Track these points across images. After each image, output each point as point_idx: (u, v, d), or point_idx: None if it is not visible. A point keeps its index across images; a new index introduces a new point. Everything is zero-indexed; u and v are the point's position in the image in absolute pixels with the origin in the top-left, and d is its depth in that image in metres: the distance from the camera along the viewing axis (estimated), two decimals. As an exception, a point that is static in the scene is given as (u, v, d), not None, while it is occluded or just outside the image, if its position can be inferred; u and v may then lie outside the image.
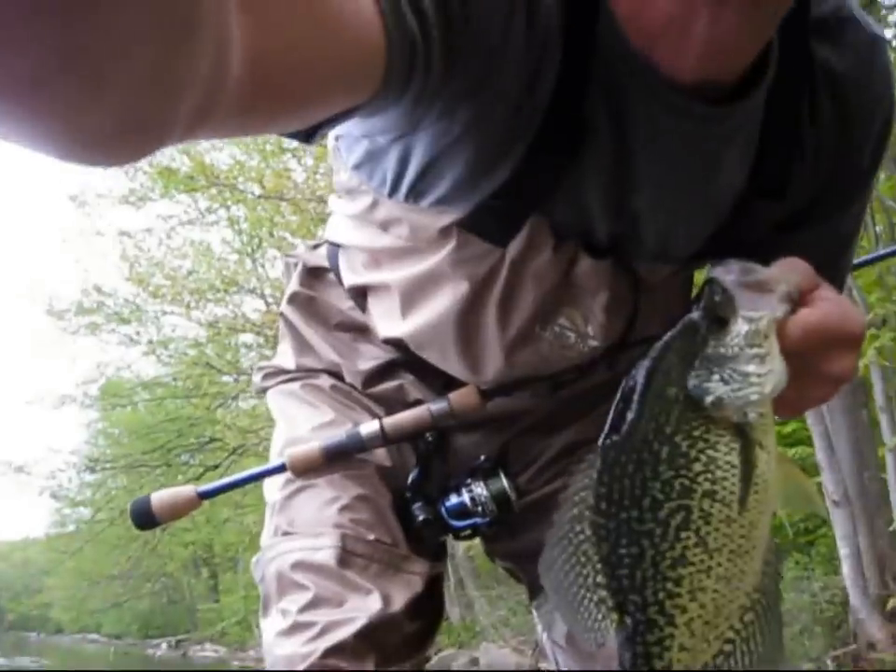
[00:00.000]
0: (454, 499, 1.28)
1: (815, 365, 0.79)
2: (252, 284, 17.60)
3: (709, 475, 0.72)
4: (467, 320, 1.18)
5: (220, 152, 19.39)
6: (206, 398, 18.84)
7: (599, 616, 0.73)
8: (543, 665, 12.11)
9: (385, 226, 1.19)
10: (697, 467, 0.72)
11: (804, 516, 10.22)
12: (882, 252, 1.91)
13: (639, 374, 0.74)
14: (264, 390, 1.48)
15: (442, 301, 1.18)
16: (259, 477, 1.34)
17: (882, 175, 8.31)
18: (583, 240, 1.13)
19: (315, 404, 1.37)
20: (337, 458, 1.26)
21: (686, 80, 0.96)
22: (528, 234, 1.10)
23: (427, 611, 1.27)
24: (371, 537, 1.24)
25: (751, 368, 0.72)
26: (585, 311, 1.18)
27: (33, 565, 38.42)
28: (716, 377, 0.73)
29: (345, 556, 1.21)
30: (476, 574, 14.29)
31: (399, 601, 1.21)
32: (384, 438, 1.27)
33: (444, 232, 1.12)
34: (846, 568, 8.09)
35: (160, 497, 1.24)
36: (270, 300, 17.09)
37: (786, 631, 8.92)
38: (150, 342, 19.44)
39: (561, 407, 1.35)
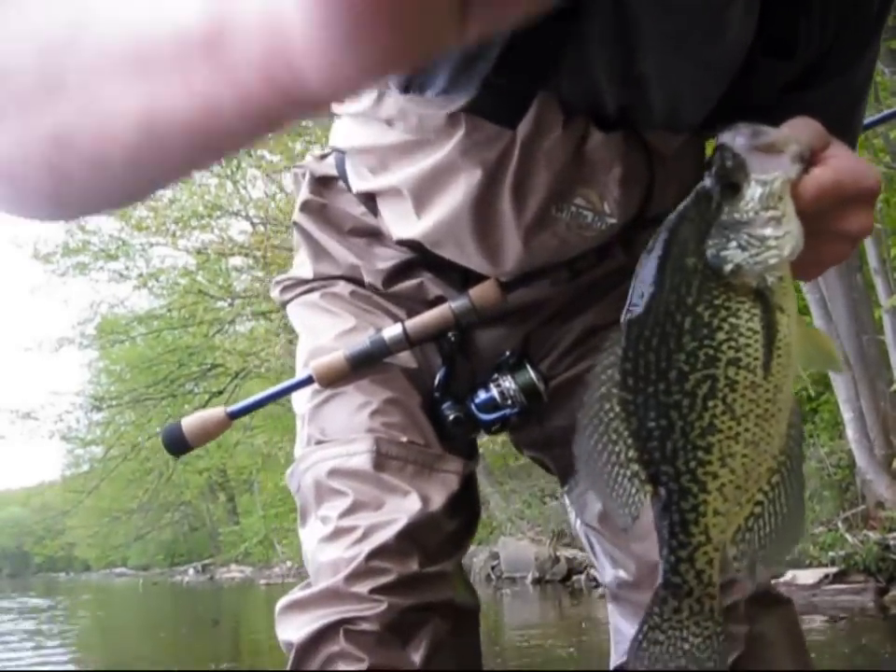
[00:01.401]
0: (482, 395, 1.28)
1: (831, 224, 0.77)
2: (235, 206, 17.45)
3: (733, 343, 0.72)
4: (482, 209, 1.16)
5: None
6: (203, 325, 18.86)
7: (633, 490, 0.74)
8: (561, 553, 12.37)
9: (390, 121, 1.18)
10: (720, 335, 0.72)
11: (811, 377, 10.35)
12: (888, 112, 1.82)
13: (656, 247, 0.74)
14: (284, 304, 1.46)
15: (455, 194, 1.16)
16: (287, 392, 1.33)
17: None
18: (593, 114, 1.11)
19: (336, 312, 1.36)
20: (362, 365, 1.25)
21: None
22: (537, 112, 1.09)
23: (464, 509, 1.28)
24: (404, 438, 1.24)
25: (768, 231, 0.72)
26: (600, 188, 1.15)
27: (51, 507, 38.92)
28: (733, 244, 0.72)
29: (380, 460, 1.22)
30: (488, 471, 14.51)
31: (438, 500, 1.22)
32: (407, 340, 1.26)
33: (452, 120, 1.10)
34: (850, 432, 8.20)
35: (189, 421, 1.24)
36: (255, 220, 16.97)
37: (796, 497, 9.10)
38: (140, 275, 19.37)
39: (580, 293, 1.33)
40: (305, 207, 1.43)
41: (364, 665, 1.12)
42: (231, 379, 19.05)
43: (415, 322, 1.26)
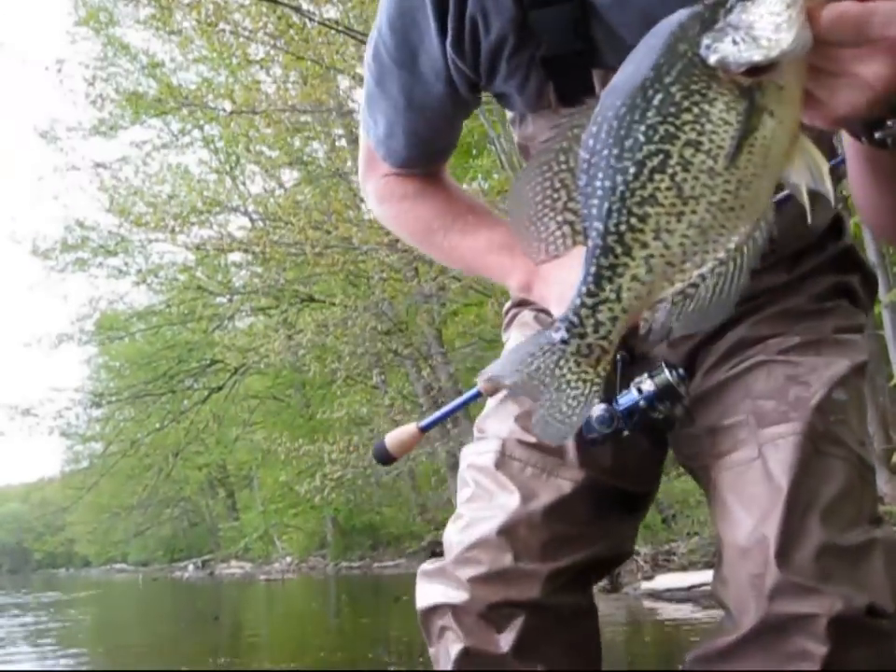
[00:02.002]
0: (625, 395, 1.30)
1: (847, 63, 0.74)
2: (234, 202, 17.43)
3: (697, 126, 0.74)
4: None
5: (186, 71, 19.03)
6: (202, 321, 18.85)
7: (559, 232, 0.80)
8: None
9: (533, 137, 1.34)
10: (687, 116, 0.74)
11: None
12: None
13: (660, 29, 0.77)
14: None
15: None
16: (465, 403, 1.49)
17: None
18: None
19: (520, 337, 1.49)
20: None
21: None
22: (601, 87, 1.12)
23: (574, 518, 1.31)
24: (532, 440, 1.32)
25: (764, 32, 0.72)
26: None
27: (51, 503, 38.93)
28: (728, 39, 0.73)
29: (502, 459, 1.33)
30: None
31: (543, 500, 1.28)
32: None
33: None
34: (849, 426, 8.22)
35: (391, 437, 1.42)
36: (254, 216, 16.95)
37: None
38: (139, 271, 19.40)
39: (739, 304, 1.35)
40: None
41: (461, 644, 1.25)
42: (230, 375, 19.03)
43: None
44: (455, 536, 1.30)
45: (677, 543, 10.28)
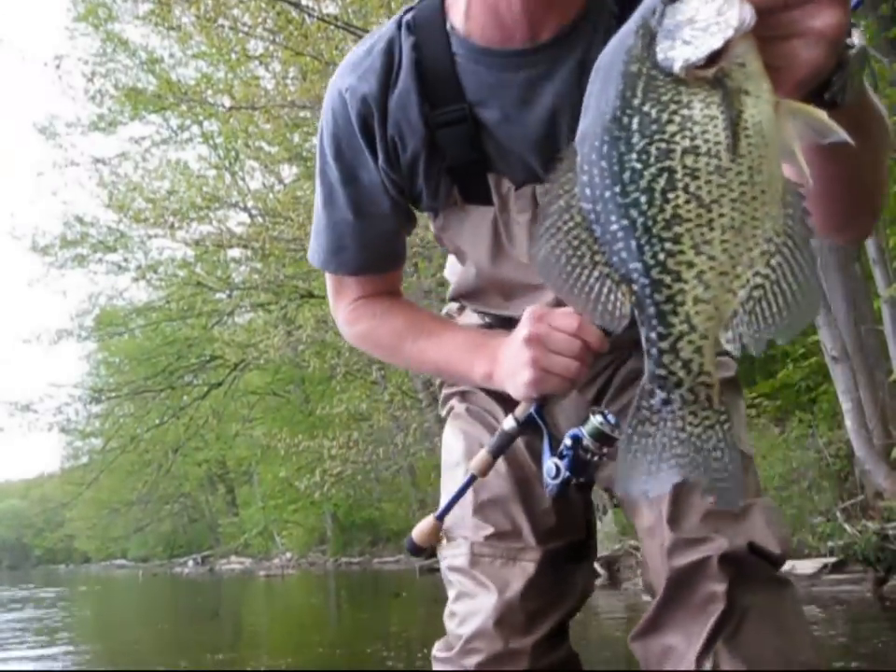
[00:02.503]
0: (566, 453, 1.39)
1: (799, 21, 0.77)
2: (234, 198, 17.41)
3: (687, 132, 0.73)
4: (499, 262, 1.47)
5: (185, 67, 19.00)
6: (201, 317, 18.85)
7: (606, 290, 0.76)
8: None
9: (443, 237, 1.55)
10: (671, 128, 0.73)
11: (803, 374, 10.33)
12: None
13: (602, 62, 0.76)
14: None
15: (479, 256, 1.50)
16: (463, 492, 1.54)
17: None
18: (531, 177, 1.38)
19: (465, 430, 1.65)
20: (500, 454, 1.46)
21: (517, 44, 1.29)
22: (495, 188, 1.39)
23: (542, 591, 1.52)
24: (491, 530, 1.53)
25: (710, 19, 0.72)
26: None
27: (51, 499, 38.99)
28: (678, 42, 0.73)
29: (475, 559, 1.53)
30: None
31: (515, 587, 1.50)
32: (521, 424, 1.43)
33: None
34: (849, 422, 8.20)
35: (416, 532, 1.54)
36: (253, 212, 16.94)
37: (794, 487, 9.10)
38: (139, 267, 19.39)
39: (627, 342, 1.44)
40: None
41: None
42: (229, 371, 19.04)
43: (521, 408, 1.43)
44: (455, 630, 1.52)
45: (676, 539, 10.28)
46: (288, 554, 24.17)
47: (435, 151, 1.38)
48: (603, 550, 9.54)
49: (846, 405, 8.14)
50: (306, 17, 8.71)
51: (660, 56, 0.73)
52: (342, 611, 11.17)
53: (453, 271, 1.68)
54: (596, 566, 1.89)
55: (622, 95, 0.74)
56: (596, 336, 1.26)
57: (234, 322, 19.67)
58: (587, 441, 1.34)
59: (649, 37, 0.74)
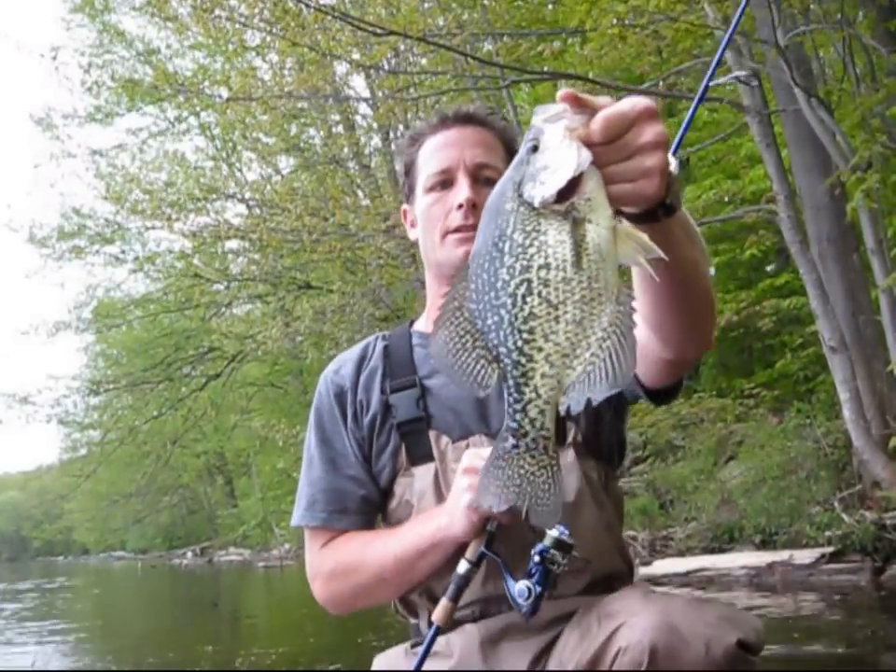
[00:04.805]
0: (534, 570, 1.48)
1: (633, 142, 1.01)
2: (231, 189, 17.38)
3: (543, 253, 0.98)
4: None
5: (183, 58, 18.95)
6: (199, 308, 18.81)
7: (479, 367, 1.03)
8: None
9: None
10: (532, 250, 0.99)
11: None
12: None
13: (490, 203, 1.03)
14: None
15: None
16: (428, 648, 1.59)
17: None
18: (465, 433, 1.67)
19: None
20: (458, 598, 1.55)
21: None
22: (435, 442, 1.68)
23: None
24: None
25: (554, 165, 0.98)
26: None
27: (50, 491, 38.90)
28: (537, 182, 0.99)
29: None
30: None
31: None
32: (474, 564, 1.54)
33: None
34: (846, 412, 8.21)
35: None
36: (251, 203, 16.91)
37: (792, 477, 9.11)
38: (136, 259, 19.30)
39: None
40: None
41: None
42: (228, 362, 19.02)
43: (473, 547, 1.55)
44: None
45: (674, 529, 10.31)
46: (287, 546, 24.15)
47: (388, 411, 1.72)
48: None
49: (844, 395, 8.15)
50: (303, 7, 8.67)
51: (526, 194, 0.99)
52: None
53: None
54: None
55: (499, 227, 1.00)
56: None
57: (232, 313, 19.65)
58: (551, 554, 1.46)
59: (519, 179, 1.00)
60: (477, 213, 1.62)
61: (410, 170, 1.79)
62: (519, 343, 1.00)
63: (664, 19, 7.89)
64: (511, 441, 1.05)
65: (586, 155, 0.98)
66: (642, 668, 1.28)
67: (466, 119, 1.75)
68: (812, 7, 7.91)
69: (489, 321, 1.00)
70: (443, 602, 1.53)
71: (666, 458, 11.97)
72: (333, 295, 14.10)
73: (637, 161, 1.01)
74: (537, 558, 1.46)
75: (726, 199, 11.23)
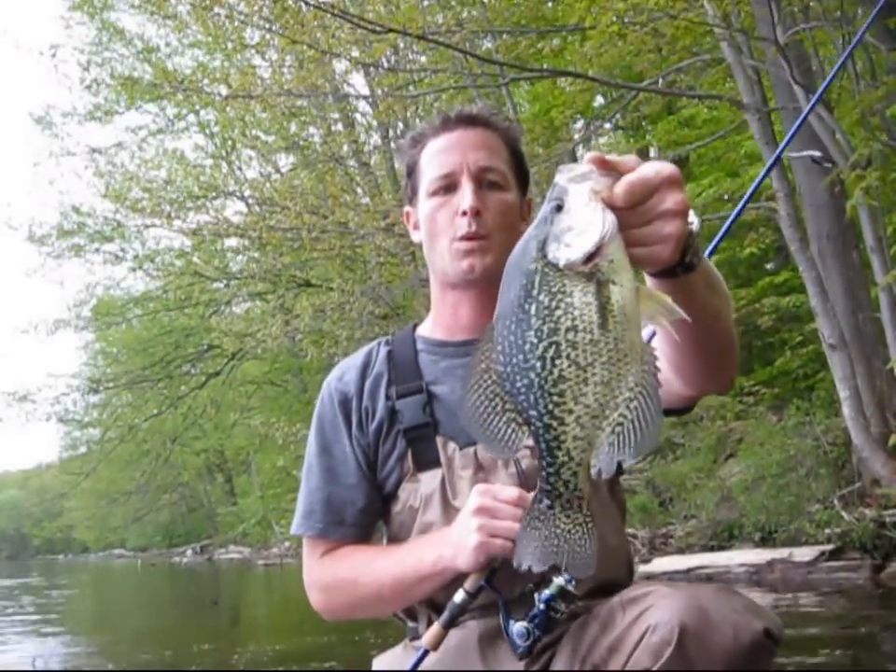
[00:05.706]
0: (538, 615, 1.48)
1: (655, 208, 1.03)
2: (231, 187, 17.37)
3: (569, 315, 0.99)
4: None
5: (182, 56, 18.93)
6: (199, 306, 18.80)
7: (509, 431, 1.04)
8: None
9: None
10: (558, 312, 0.99)
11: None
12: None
13: (512, 261, 1.03)
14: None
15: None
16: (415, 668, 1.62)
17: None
18: (472, 440, 1.61)
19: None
20: (452, 625, 1.55)
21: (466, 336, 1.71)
22: (442, 448, 1.65)
23: None
24: None
25: (580, 227, 0.98)
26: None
27: (50, 490, 38.87)
28: (561, 245, 0.99)
29: None
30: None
31: None
32: (471, 595, 1.54)
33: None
34: (846, 410, 8.21)
35: None
36: (250, 201, 16.90)
37: (792, 475, 9.11)
38: (136, 257, 19.30)
39: None
40: None
41: None
42: (227, 360, 19.00)
43: (472, 580, 1.54)
44: None
45: (674, 526, 10.31)
46: (287, 543, 24.14)
47: (394, 417, 1.70)
48: None
49: (843, 393, 8.15)
50: (303, 4, 8.66)
51: (550, 255, 1.00)
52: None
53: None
54: None
55: (524, 287, 1.01)
56: None
57: (232, 311, 19.65)
58: (556, 603, 1.46)
59: (543, 239, 1.00)
60: (481, 220, 1.63)
61: (412, 172, 1.75)
62: (550, 407, 1.01)
63: (663, 16, 7.89)
64: (546, 502, 1.08)
65: (612, 219, 0.99)
66: (671, 647, 1.27)
67: (469, 121, 1.70)
68: (812, 4, 7.91)
69: (518, 384, 1.02)
70: (436, 628, 1.53)
71: (666, 456, 11.97)
72: (333, 293, 14.09)
73: (656, 227, 1.04)
74: (542, 606, 1.46)
75: (726, 197, 11.24)
